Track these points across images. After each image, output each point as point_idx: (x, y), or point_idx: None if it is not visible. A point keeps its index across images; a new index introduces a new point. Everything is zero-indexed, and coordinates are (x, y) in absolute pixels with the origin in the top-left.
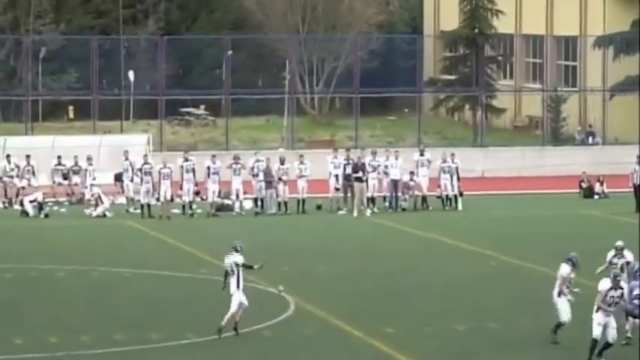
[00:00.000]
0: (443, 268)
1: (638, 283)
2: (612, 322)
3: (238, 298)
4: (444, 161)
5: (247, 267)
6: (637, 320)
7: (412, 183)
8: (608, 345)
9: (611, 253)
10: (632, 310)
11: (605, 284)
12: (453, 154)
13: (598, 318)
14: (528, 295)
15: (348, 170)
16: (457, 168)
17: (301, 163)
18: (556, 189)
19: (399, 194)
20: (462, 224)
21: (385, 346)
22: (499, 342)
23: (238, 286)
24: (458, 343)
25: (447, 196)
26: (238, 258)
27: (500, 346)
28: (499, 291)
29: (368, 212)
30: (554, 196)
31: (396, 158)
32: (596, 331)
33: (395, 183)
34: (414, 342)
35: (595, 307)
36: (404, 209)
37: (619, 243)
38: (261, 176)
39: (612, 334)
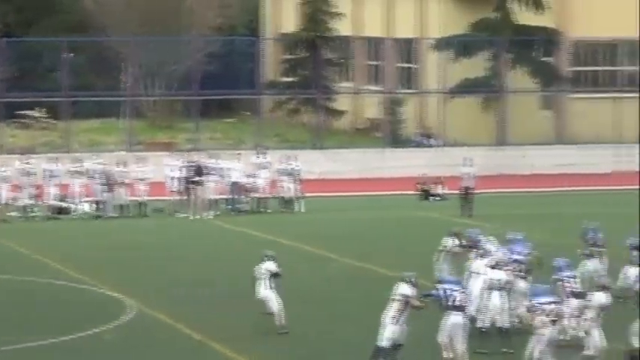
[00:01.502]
0: (285, 270)
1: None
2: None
3: (274, 296)
4: (284, 163)
5: (276, 275)
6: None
7: (254, 185)
8: None
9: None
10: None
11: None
12: (293, 157)
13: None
14: (370, 296)
15: (189, 173)
16: (298, 170)
17: (140, 165)
18: (396, 190)
19: (240, 196)
20: (302, 226)
21: (227, 350)
22: (345, 342)
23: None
24: (305, 345)
25: (288, 197)
26: (272, 266)
27: (346, 346)
28: (341, 293)
29: (208, 215)
30: (394, 197)
31: (238, 161)
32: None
33: (235, 185)
34: (256, 345)
35: None
36: (244, 211)
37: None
38: (101, 179)
39: None
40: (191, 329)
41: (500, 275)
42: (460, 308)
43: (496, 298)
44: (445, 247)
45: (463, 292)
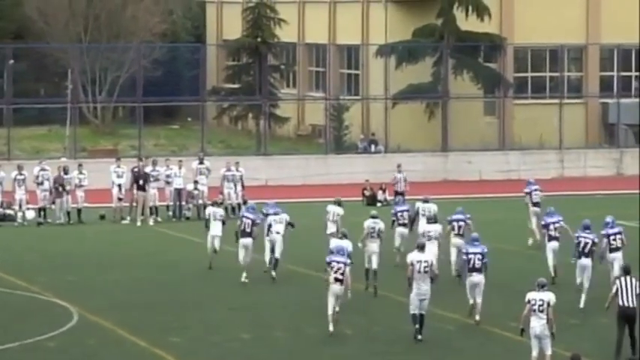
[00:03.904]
0: (229, 276)
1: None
2: None
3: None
4: (228, 170)
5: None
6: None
7: (196, 192)
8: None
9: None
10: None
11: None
12: (237, 163)
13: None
14: (314, 303)
15: (133, 179)
16: (241, 176)
17: (80, 172)
18: (340, 197)
19: (183, 203)
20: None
21: (170, 356)
22: (284, 351)
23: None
24: (242, 352)
25: (230, 204)
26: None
27: (285, 355)
28: (286, 299)
29: (151, 221)
30: None
31: (180, 167)
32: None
33: (179, 192)
34: (199, 351)
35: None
36: (187, 218)
37: None
38: (46, 185)
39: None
40: (136, 335)
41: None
42: None
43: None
44: None
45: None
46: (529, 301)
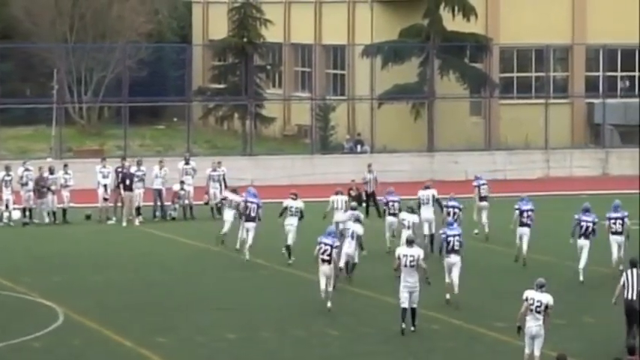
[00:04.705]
0: (215, 277)
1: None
2: None
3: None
4: (214, 170)
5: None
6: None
7: (182, 192)
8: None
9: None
10: None
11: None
12: (219, 162)
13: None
14: (300, 304)
15: (119, 179)
16: (224, 176)
17: (66, 172)
18: (326, 197)
19: (166, 203)
20: (232, 233)
21: (156, 356)
22: (270, 351)
23: None
24: (229, 352)
25: (216, 204)
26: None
27: (271, 356)
28: (272, 300)
29: (137, 221)
30: (325, 204)
31: (160, 168)
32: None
33: (159, 192)
34: (185, 351)
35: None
36: (173, 218)
37: None
38: (30, 186)
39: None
40: (122, 336)
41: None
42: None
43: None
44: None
45: None
46: (527, 299)
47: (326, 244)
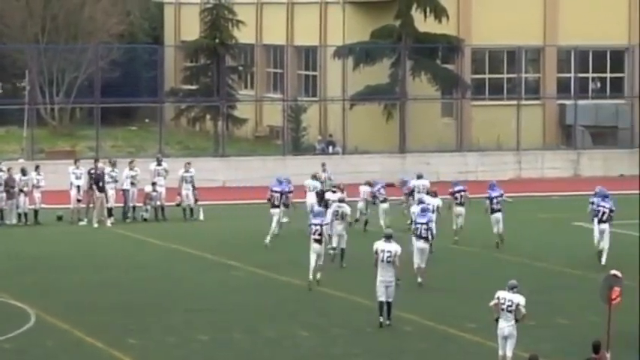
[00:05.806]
0: (188, 278)
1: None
2: None
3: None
4: (187, 171)
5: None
6: None
7: (154, 193)
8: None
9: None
10: None
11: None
12: (188, 163)
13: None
14: (272, 305)
15: (90, 180)
16: (192, 177)
17: (38, 173)
18: (298, 198)
19: (141, 204)
20: (204, 234)
21: (128, 357)
22: (243, 352)
23: None
24: (202, 353)
25: (188, 205)
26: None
27: (244, 357)
28: (244, 301)
29: (109, 222)
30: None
31: (130, 169)
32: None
33: (128, 193)
34: (157, 353)
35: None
36: (145, 219)
37: None
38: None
39: None
40: (94, 337)
41: None
42: None
43: None
44: None
45: None
46: (498, 298)
47: (316, 225)
